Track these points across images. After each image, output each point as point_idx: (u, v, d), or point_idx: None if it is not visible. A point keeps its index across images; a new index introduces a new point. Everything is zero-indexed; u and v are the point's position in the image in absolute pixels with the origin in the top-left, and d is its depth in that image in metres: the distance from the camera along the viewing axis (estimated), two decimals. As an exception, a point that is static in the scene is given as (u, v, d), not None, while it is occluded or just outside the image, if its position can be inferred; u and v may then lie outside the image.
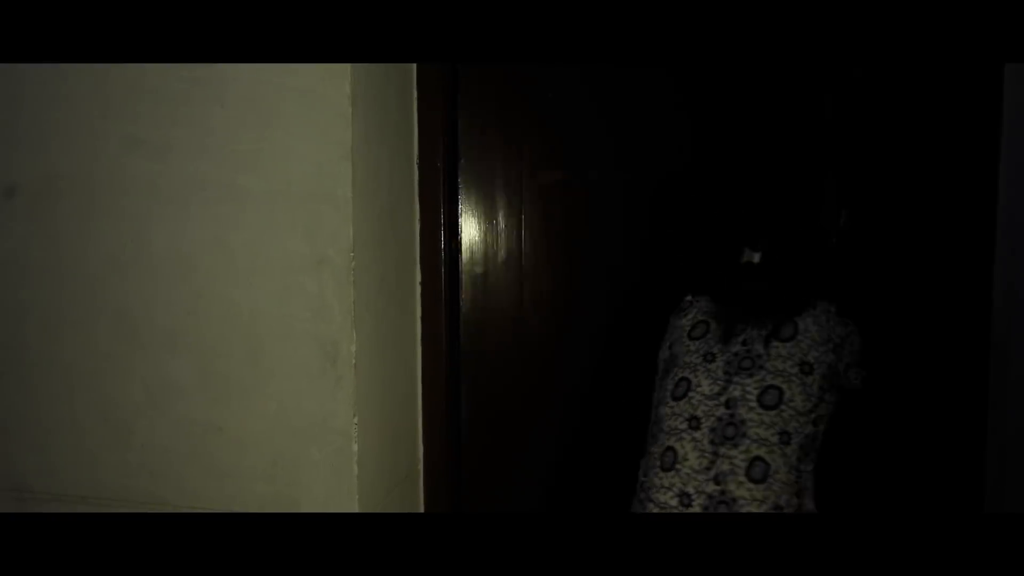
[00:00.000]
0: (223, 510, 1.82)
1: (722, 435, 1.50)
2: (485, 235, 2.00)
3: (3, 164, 1.85)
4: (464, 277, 2.00)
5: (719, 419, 1.51)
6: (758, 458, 1.47)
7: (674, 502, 1.51)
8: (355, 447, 1.69)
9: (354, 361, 1.67)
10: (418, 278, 1.96)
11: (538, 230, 1.98)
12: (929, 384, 1.83)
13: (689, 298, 1.71)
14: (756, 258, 1.58)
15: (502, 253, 2.00)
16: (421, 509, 2.00)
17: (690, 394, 1.56)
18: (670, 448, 1.55)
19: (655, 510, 1.54)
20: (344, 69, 1.66)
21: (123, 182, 1.79)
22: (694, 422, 1.53)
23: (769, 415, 1.48)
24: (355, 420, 1.68)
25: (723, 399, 1.52)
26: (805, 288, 1.57)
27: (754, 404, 1.50)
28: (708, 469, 1.50)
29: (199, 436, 1.77)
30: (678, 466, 1.53)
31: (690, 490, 1.50)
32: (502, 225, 1.99)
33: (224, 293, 1.75)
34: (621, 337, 1.98)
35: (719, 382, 1.53)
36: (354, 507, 1.70)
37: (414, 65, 1.90)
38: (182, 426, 1.81)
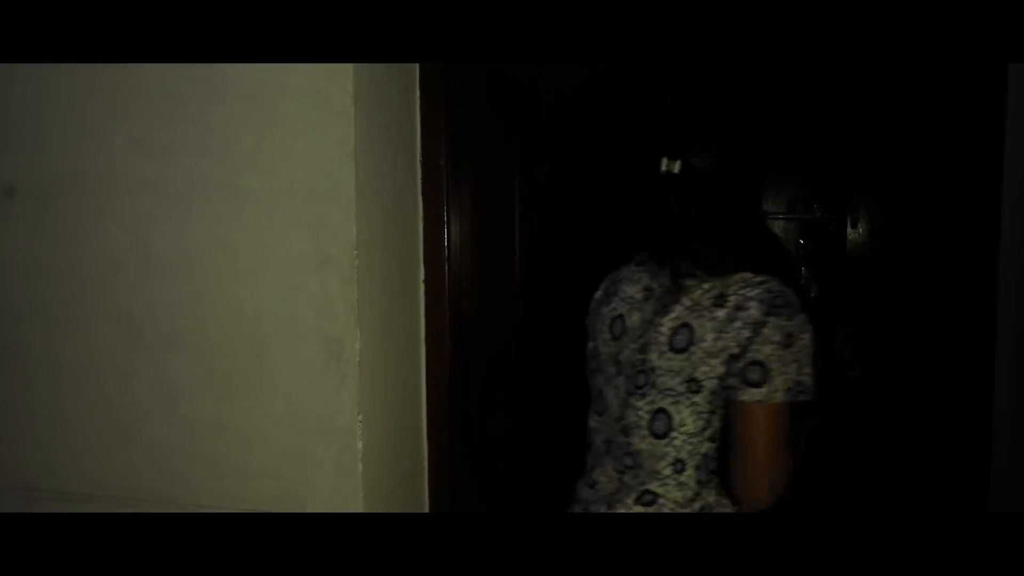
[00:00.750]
0: (230, 508, 1.83)
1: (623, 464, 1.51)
2: (486, 232, 2.00)
3: (4, 164, 1.86)
4: (467, 275, 2.00)
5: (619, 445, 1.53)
6: (647, 490, 1.47)
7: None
8: (360, 445, 1.70)
9: (358, 359, 1.68)
10: (422, 276, 1.96)
11: (535, 226, 1.98)
12: (934, 381, 1.83)
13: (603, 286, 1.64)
14: (676, 167, 1.43)
15: (502, 249, 2.00)
16: (426, 507, 2.01)
17: (605, 415, 1.57)
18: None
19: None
20: (346, 69, 1.66)
21: (125, 182, 1.79)
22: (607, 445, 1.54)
23: (660, 443, 1.45)
24: (359, 418, 1.69)
25: (620, 424, 1.52)
26: (731, 236, 1.40)
27: (646, 433, 1.48)
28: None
29: (204, 435, 1.78)
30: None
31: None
32: (502, 222, 1.99)
33: (227, 292, 1.75)
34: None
35: (619, 397, 1.53)
36: (359, 505, 1.70)
37: (416, 65, 1.90)
38: (187, 425, 1.82)
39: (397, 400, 1.88)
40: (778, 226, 1.88)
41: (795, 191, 1.86)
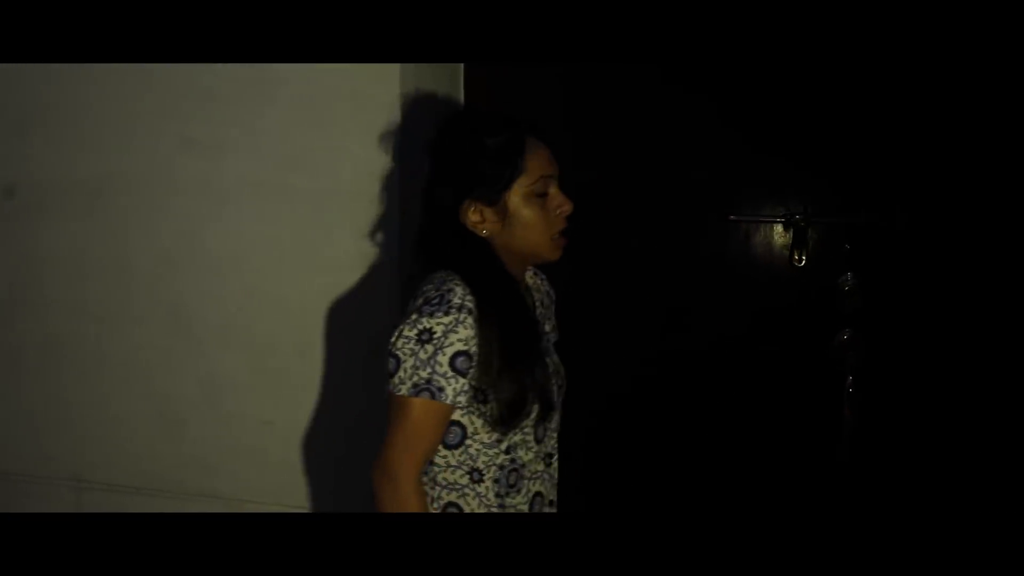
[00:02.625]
0: (273, 502, 1.86)
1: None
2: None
3: (64, 162, 1.90)
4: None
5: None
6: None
7: None
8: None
9: (402, 358, 1.69)
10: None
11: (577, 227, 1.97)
12: (991, 384, 1.80)
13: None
14: None
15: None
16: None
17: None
18: None
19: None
20: (393, 70, 1.68)
21: (178, 181, 1.83)
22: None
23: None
24: (403, 416, 1.70)
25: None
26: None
27: None
28: None
29: (250, 431, 1.81)
30: None
31: None
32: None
33: (275, 290, 1.78)
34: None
35: None
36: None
37: (461, 65, 1.91)
38: (234, 420, 1.85)
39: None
40: (821, 230, 1.86)
41: (838, 194, 1.84)
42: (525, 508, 1.34)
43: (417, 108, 1.72)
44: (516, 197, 1.29)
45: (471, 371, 1.24)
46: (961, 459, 1.81)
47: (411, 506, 1.24)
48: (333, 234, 1.72)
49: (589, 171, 1.96)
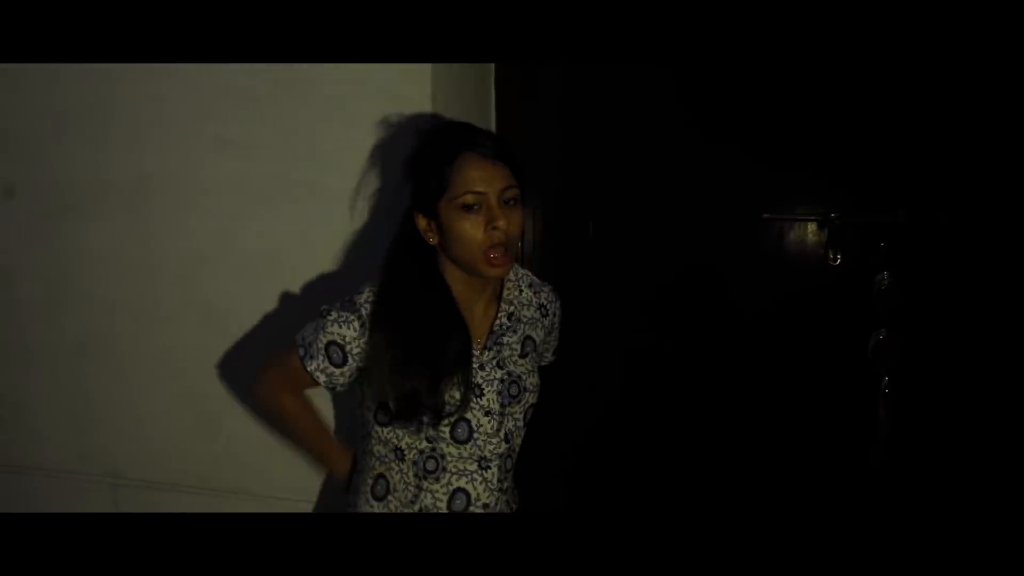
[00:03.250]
0: (305, 501, 1.87)
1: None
2: (562, 230, 2.00)
3: (99, 163, 1.92)
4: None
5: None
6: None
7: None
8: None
9: (434, 357, 1.69)
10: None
11: (608, 221, 1.97)
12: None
13: None
14: None
15: (576, 246, 2.00)
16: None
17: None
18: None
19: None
20: (424, 69, 1.68)
21: (210, 180, 1.84)
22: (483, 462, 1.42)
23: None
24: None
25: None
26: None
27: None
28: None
29: (283, 428, 1.82)
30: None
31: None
32: (577, 221, 1.99)
33: (309, 288, 1.79)
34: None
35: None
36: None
37: (492, 65, 1.91)
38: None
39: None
40: (856, 228, 1.84)
41: (874, 191, 1.82)
42: (443, 500, 1.41)
43: (448, 108, 1.72)
44: (447, 210, 1.33)
45: (347, 367, 1.38)
46: (1000, 464, 1.77)
47: (269, 403, 1.53)
48: (367, 233, 1.73)
49: (619, 169, 1.96)
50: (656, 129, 1.92)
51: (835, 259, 1.84)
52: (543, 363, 1.59)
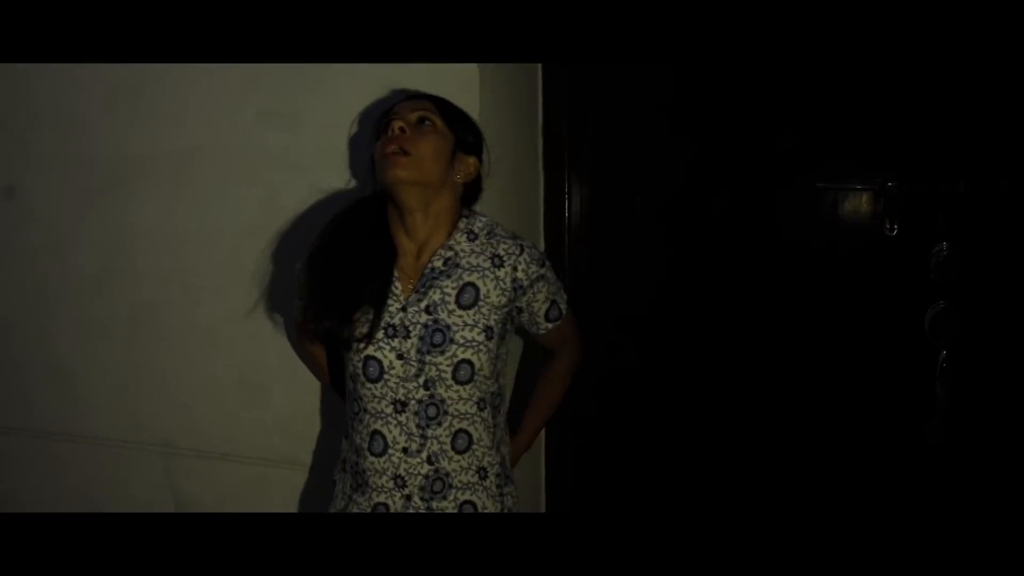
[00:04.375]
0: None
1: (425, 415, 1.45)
2: (607, 205, 1.97)
3: (151, 136, 1.94)
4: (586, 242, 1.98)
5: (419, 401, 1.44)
6: (460, 430, 1.45)
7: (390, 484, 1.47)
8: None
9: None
10: (542, 247, 1.95)
11: (655, 201, 1.94)
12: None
13: None
14: None
15: (622, 223, 1.97)
16: (542, 460, 2.01)
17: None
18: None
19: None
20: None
21: (259, 152, 1.85)
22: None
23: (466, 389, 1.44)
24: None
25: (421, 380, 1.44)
26: None
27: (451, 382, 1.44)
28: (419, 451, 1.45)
29: (332, 399, 1.83)
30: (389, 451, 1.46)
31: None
32: (619, 195, 1.96)
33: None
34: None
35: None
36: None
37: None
38: (315, 389, 1.87)
39: (521, 367, 1.88)
40: (914, 198, 1.78)
41: (933, 160, 1.76)
42: (366, 441, 1.46)
43: (495, 74, 1.71)
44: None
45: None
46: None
47: (301, 350, 1.78)
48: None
49: (664, 141, 1.93)
50: (703, 94, 1.88)
51: (892, 229, 1.79)
52: (539, 331, 1.57)
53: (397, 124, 1.42)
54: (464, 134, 1.49)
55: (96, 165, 2.02)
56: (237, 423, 1.97)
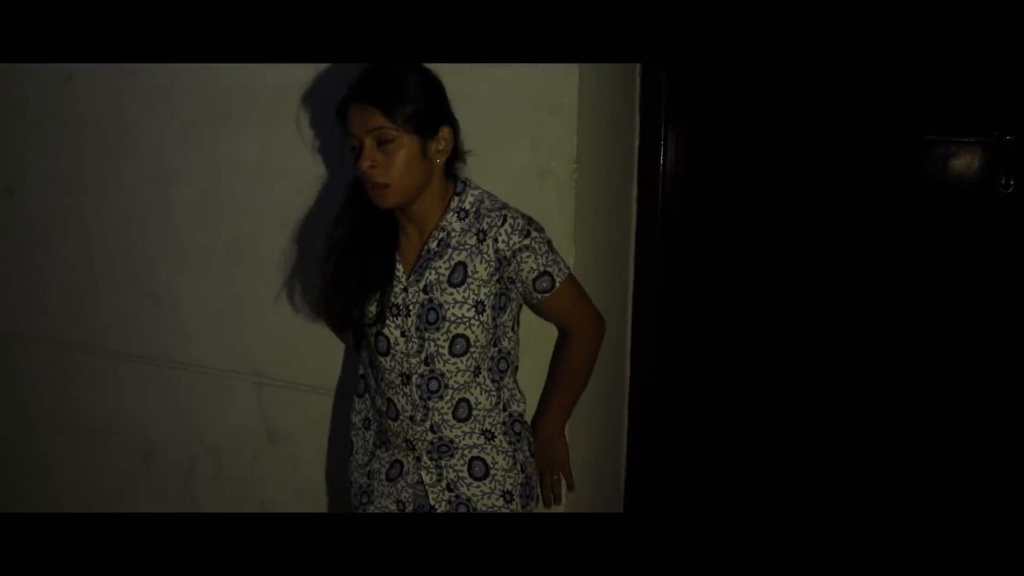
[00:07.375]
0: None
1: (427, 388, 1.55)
2: (705, 156, 1.93)
3: (250, 72, 1.97)
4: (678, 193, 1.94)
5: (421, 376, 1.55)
6: (462, 400, 1.55)
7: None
8: (568, 358, 1.70)
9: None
10: (634, 193, 1.92)
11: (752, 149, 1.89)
12: None
13: None
14: None
15: (721, 174, 1.93)
16: (624, 425, 2.01)
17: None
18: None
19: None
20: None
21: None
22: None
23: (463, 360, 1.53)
24: (569, 331, 1.69)
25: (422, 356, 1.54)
26: None
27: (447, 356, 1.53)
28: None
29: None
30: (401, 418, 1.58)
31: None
32: (716, 146, 1.91)
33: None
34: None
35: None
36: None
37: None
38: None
39: (605, 317, 1.87)
40: (980, 152, 1.69)
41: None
42: (384, 407, 1.60)
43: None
44: None
45: None
46: None
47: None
48: (507, 145, 1.72)
49: (773, 86, 1.86)
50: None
51: (1008, 186, 1.70)
52: (532, 302, 1.59)
53: (365, 164, 1.44)
54: (423, 123, 1.47)
55: (201, 98, 2.07)
56: (326, 356, 2.02)
